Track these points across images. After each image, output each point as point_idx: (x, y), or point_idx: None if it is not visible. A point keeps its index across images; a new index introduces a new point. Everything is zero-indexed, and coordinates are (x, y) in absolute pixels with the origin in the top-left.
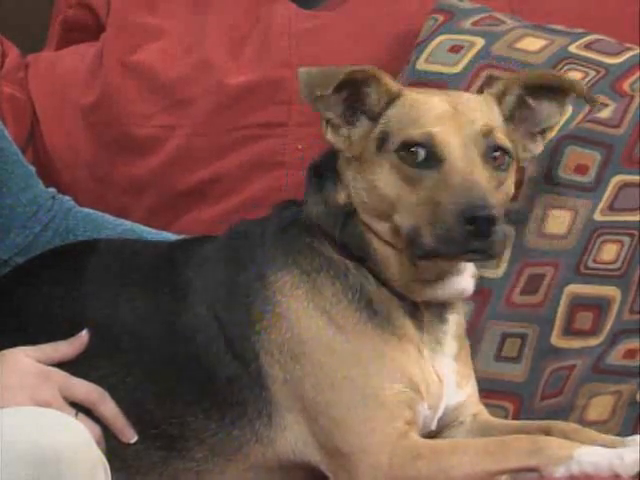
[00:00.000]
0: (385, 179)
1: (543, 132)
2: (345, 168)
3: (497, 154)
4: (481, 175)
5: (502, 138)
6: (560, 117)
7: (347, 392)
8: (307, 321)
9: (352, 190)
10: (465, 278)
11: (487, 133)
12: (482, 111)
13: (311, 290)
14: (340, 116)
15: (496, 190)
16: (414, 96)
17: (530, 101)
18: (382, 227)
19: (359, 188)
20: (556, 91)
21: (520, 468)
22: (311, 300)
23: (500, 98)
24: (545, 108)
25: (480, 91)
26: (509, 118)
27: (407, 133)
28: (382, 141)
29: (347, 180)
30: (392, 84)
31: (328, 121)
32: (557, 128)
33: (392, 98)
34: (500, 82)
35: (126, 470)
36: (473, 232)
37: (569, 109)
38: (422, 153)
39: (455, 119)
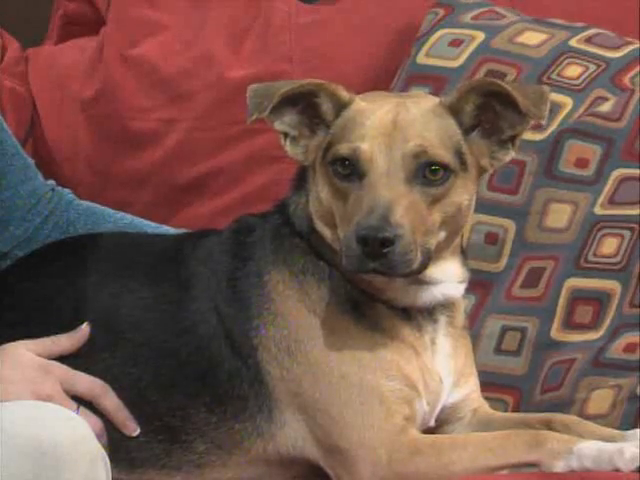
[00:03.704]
0: (325, 190)
1: (513, 139)
2: (308, 175)
3: (433, 168)
4: (399, 195)
5: (439, 154)
6: (525, 125)
7: (344, 390)
8: (301, 321)
9: (309, 197)
10: (447, 285)
11: (419, 154)
12: (422, 126)
13: (300, 291)
14: (296, 127)
15: (431, 206)
16: (361, 106)
17: (498, 107)
18: (331, 236)
19: (312, 196)
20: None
21: (520, 463)
22: (302, 301)
23: (456, 107)
24: (509, 115)
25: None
26: (472, 127)
27: (339, 146)
28: (325, 151)
29: (308, 187)
30: (342, 93)
31: (286, 134)
32: (521, 135)
33: (342, 107)
34: (456, 90)
35: (128, 462)
36: (367, 253)
37: (537, 117)
38: (348, 168)
39: (389, 135)
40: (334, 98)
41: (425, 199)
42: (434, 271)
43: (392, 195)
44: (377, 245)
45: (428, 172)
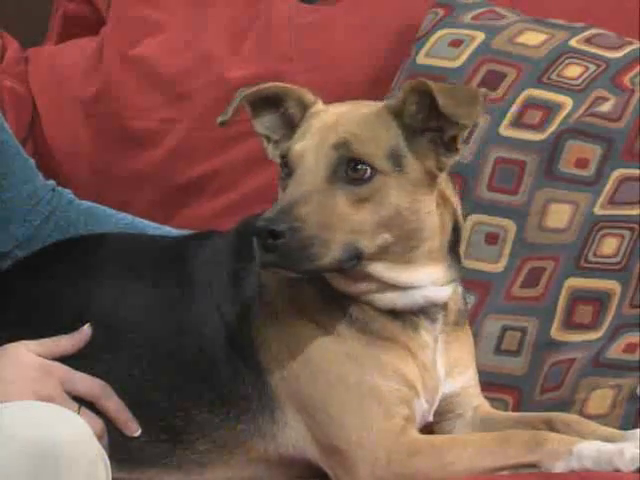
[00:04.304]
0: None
1: (454, 141)
2: None
3: (356, 166)
4: (312, 190)
5: (361, 150)
6: (460, 126)
7: (342, 390)
8: (298, 321)
9: None
10: (428, 289)
11: (338, 145)
12: (356, 124)
13: (293, 291)
14: (277, 130)
15: (358, 205)
16: (318, 108)
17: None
18: None
19: None
20: None
21: (520, 463)
22: (296, 301)
23: (400, 109)
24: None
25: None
26: (422, 129)
27: (283, 146)
28: None
29: None
30: (307, 96)
31: (269, 139)
32: (461, 136)
33: (306, 110)
34: (399, 92)
35: (129, 462)
36: (259, 245)
37: (461, 119)
38: (285, 167)
39: (323, 133)
40: (300, 101)
41: (348, 197)
42: (406, 276)
43: (304, 190)
44: (266, 237)
45: (351, 170)
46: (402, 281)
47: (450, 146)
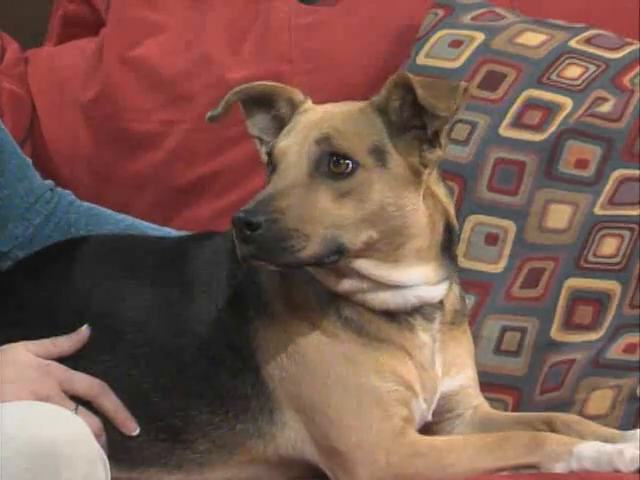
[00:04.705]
0: None
1: (437, 136)
2: None
3: (338, 160)
4: (293, 184)
5: (343, 145)
6: (437, 120)
7: (340, 392)
8: (294, 322)
9: None
10: (420, 288)
11: (320, 140)
12: (340, 120)
13: (289, 292)
14: (269, 133)
15: (340, 200)
16: (306, 107)
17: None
18: None
19: None
20: None
21: (519, 464)
22: (292, 302)
23: (384, 105)
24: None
25: None
26: (408, 126)
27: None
28: None
29: None
30: (297, 96)
31: (261, 141)
32: (443, 132)
33: (296, 109)
34: (383, 88)
35: (129, 461)
36: (237, 236)
37: (438, 111)
38: (270, 165)
39: (307, 130)
40: (290, 101)
41: (330, 191)
42: (396, 274)
43: (285, 183)
44: (242, 227)
45: (333, 164)
46: (392, 279)
47: (433, 142)
